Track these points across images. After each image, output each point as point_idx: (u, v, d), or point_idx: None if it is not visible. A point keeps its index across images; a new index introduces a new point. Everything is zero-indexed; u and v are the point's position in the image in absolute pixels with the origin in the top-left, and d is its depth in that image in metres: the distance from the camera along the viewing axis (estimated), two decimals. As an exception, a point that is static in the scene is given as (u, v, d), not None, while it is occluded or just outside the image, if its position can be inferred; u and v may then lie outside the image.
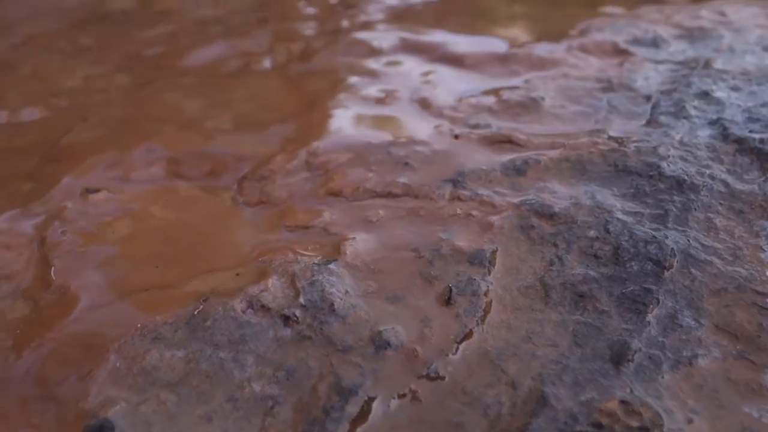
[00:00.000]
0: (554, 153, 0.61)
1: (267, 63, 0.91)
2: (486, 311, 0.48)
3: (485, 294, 0.49)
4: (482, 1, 1.07)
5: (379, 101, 0.75)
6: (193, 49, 1.00)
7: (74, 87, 0.90)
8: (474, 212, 0.56)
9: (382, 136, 0.67)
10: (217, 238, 0.57)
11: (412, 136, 0.66)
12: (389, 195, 0.59)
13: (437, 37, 0.90)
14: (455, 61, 0.82)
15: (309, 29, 1.02)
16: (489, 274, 0.50)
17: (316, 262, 0.52)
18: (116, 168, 0.67)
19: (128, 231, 0.58)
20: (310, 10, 1.13)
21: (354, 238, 0.54)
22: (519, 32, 0.89)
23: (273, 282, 0.50)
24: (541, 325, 0.47)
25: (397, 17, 1.01)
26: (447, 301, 0.49)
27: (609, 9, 0.95)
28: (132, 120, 0.77)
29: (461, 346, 0.44)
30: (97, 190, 0.63)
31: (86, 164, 0.68)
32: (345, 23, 1.01)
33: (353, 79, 0.82)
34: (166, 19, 1.18)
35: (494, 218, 0.55)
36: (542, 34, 0.87)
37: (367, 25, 0.98)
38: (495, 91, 0.73)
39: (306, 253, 0.53)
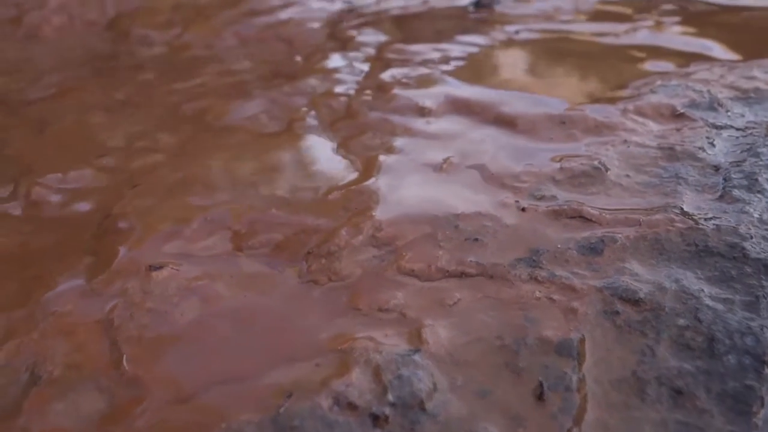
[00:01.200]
0: (630, 231, 0.59)
1: (311, 121, 0.91)
2: (581, 409, 0.46)
3: (578, 390, 0.47)
4: (523, 55, 1.06)
5: (436, 168, 0.74)
6: (232, 103, 0.99)
7: (118, 146, 0.89)
8: (555, 296, 0.54)
9: (446, 208, 0.66)
10: (289, 322, 0.56)
11: (478, 209, 0.65)
12: (463, 275, 0.58)
13: (485, 94, 0.89)
14: (508, 123, 0.81)
15: (349, 84, 1.01)
16: (580, 367, 0.49)
17: (399, 352, 0.50)
18: (174, 240, 0.66)
19: (197, 313, 0.57)
20: (346, 63, 1.13)
21: (433, 324, 0.53)
22: (568, 91, 0.88)
23: (357, 375, 0.48)
24: (640, 425, 0.45)
25: (443, 73, 1.00)
26: (539, 397, 0.47)
27: (656, 66, 0.95)
28: (184, 186, 0.76)
29: (563, 452, 0.43)
30: (160, 267, 0.61)
31: (143, 237, 0.67)
32: (387, 78, 1.01)
33: (403, 142, 0.81)
34: (199, 69, 1.18)
35: (577, 304, 0.53)
36: (593, 94, 0.86)
37: (411, 82, 0.98)
38: (556, 159, 0.72)
39: (385, 341, 0.52)
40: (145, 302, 0.58)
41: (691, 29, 1.13)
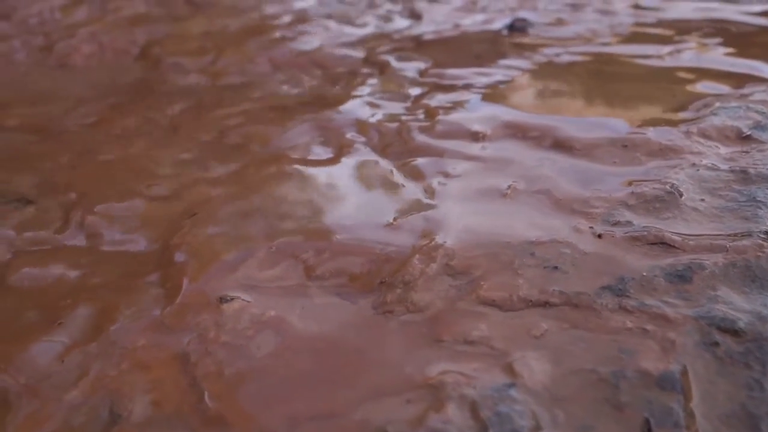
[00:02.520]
0: (717, 257, 0.58)
1: (361, 147, 0.89)
2: (693, 446, 0.44)
3: (687, 426, 0.45)
4: (568, 78, 1.05)
5: (501, 194, 0.72)
6: (277, 130, 0.98)
7: (167, 175, 0.88)
8: (648, 326, 0.52)
9: (519, 235, 0.64)
10: (370, 355, 0.54)
11: (553, 236, 0.63)
12: (546, 305, 0.56)
13: (538, 118, 0.88)
14: (567, 147, 0.80)
15: (395, 109, 1.00)
16: (686, 402, 0.46)
17: (493, 386, 0.48)
18: (240, 271, 0.65)
19: (273, 346, 0.55)
20: (387, 88, 1.12)
21: (523, 356, 0.51)
22: (624, 114, 0.87)
23: (453, 411, 0.46)
24: (757, 463, 0.43)
25: (489, 97, 0.99)
26: (646, 434, 0.45)
27: (709, 87, 0.93)
28: (242, 214, 0.74)
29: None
30: (231, 299, 0.60)
31: (207, 267, 0.65)
32: (433, 103, 0.99)
33: (460, 167, 0.80)
34: (239, 96, 1.17)
35: (673, 334, 0.51)
36: (650, 116, 0.85)
37: (459, 106, 0.97)
38: (624, 183, 0.71)
39: (476, 374, 0.50)
40: (219, 336, 0.56)
41: (734, 50, 1.11)
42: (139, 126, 1.08)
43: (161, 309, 0.60)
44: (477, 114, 0.93)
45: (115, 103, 1.22)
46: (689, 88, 0.94)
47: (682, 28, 1.26)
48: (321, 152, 0.89)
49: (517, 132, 0.85)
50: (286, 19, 1.68)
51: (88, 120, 1.14)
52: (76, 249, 0.72)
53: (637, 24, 1.34)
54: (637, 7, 1.46)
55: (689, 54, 1.10)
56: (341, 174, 0.82)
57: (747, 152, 0.73)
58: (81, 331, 0.58)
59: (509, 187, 0.73)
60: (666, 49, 1.13)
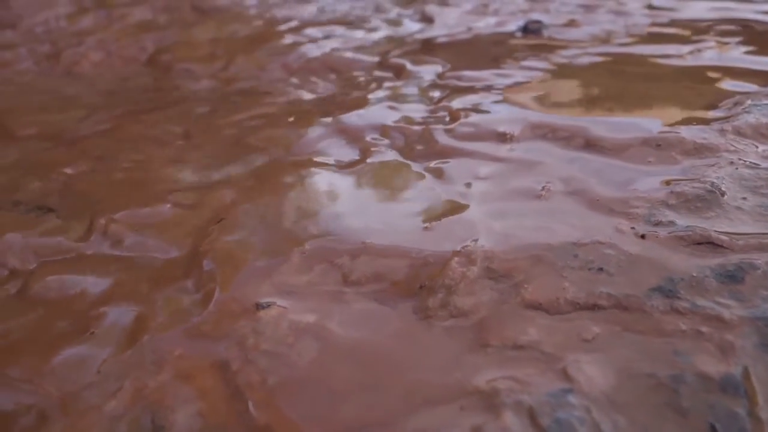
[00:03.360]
0: (767, 257, 0.56)
1: (386, 149, 0.88)
2: (762, 452, 0.42)
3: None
4: (591, 78, 1.04)
5: (535, 195, 0.71)
6: (298, 133, 0.97)
7: (189, 181, 0.86)
8: (702, 328, 0.51)
9: (559, 237, 0.63)
10: (417, 361, 0.52)
11: (595, 236, 0.62)
12: (595, 307, 0.54)
13: (566, 119, 0.87)
14: (599, 147, 0.78)
15: (417, 112, 0.99)
16: (751, 406, 0.45)
17: (549, 392, 0.47)
18: (274, 276, 0.63)
19: (315, 354, 0.53)
20: (407, 91, 1.11)
21: (577, 360, 0.49)
22: (654, 113, 0.86)
23: (511, 419, 0.45)
24: (831, 468, 0.41)
25: (512, 98, 0.98)
26: (713, 439, 0.43)
27: (736, 86, 0.92)
28: (270, 219, 0.73)
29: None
30: (268, 305, 0.58)
31: (241, 274, 0.64)
32: (456, 105, 0.98)
33: (490, 169, 0.78)
34: (255, 101, 1.16)
35: (730, 336, 0.50)
36: (681, 115, 0.84)
37: (482, 108, 0.95)
38: (662, 183, 0.69)
39: (529, 380, 0.48)
40: (259, 344, 0.54)
41: (755, 48, 1.10)
42: (155, 132, 1.06)
43: (196, 316, 0.58)
44: (500, 115, 0.92)
45: (127, 110, 1.20)
46: (716, 86, 0.93)
47: (699, 28, 1.25)
48: (345, 155, 0.88)
49: (545, 132, 0.84)
50: (294, 24, 1.67)
51: (101, 127, 1.12)
52: (101, 256, 0.71)
53: (653, 24, 1.33)
54: (651, 7, 1.45)
55: (711, 53, 1.08)
56: (368, 176, 0.81)
57: (785, 150, 0.72)
58: (115, 341, 0.56)
59: (543, 187, 0.71)
60: (686, 48, 1.12)
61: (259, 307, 0.58)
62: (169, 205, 0.79)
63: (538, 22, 1.38)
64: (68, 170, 0.94)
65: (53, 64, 1.62)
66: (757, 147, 0.73)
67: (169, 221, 0.76)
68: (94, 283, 0.66)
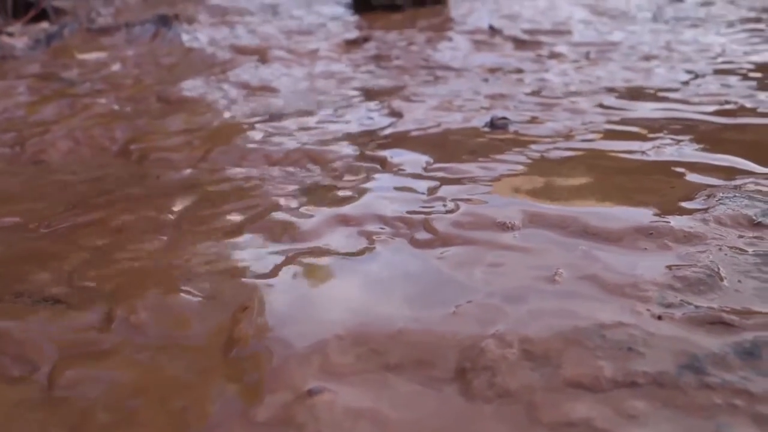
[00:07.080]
0: (777, 334, 0.62)
1: (390, 240, 0.92)
2: None
3: (804, 494, 0.48)
4: (567, 171, 1.12)
5: (549, 280, 0.75)
6: (301, 222, 1.00)
7: (199, 269, 0.87)
8: (736, 402, 0.55)
9: (584, 319, 0.67)
10: (475, 441, 0.54)
11: (617, 318, 0.67)
12: (633, 384, 0.59)
13: (559, 209, 0.93)
14: (596, 235, 0.85)
15: (414, 203, 1.04)
16: (796, 471, 0.49)
17: (614, 466, 0.50)
18: (315, 361, 0.65)
19: (375, 437, 0.55)
20: (396, 183, 1.16)
21: (629, 435, 0.53)
22: (637, 204, 0.93)
23: (585, 493, 0.47)
24: None
25: (501, 189, 1.04)
26: (770, 504, 0.47)
27: (702, 179, 1.02)
28: (295, 305, 0.75)
29: None
30: (320, 391, 0.59)
31: (282, 359, 0.65)
32: (450, 196, 1.04)
33: (498, 256, 0.83)
34: (243, 191, 1.18)
35: (762, 408, 0.54)
36: (662, 206, 0.91)
37: (476, 198, 1.01)
38: (663, 268, 0.75)
39: (590, 455, 0.51)
40: (320, 429, 0.55)
41: (707, 145, 1.22)
42: (142, 223, 1.07)
43: (248, 405, 0.59)
44: (495, 205, 0.98)
45: (105, 200, 1.20)
46: (685, 180, 1.03)
47: (652, 126, 1.37)
48: (352, 244, 0.91)
49: (542, 222, 0.90)
50: (265, 116, 1.72)
51: (82, 218, 1.12)
52: (128, 346, 0.70)
53: (608, 122, 1.45)
54: (602, 106, 1.59)
55: (670, 149, 1.19)
56: (381, 264, 0.84)
57: (763, 238, 0.80)
58: (171, 432, 0.56)
59: (556, 273, 0.76)
60: (647, 144, 1.23)
61: (311, 393, 0.59)
62: (187, 294, 0.79)
63: (505, 118, 1.48)
64: (64, 261, 0.93)
65: (19, 153, 1.61)
66: (738, 235, 0.81)
67: (192, 309, 0.76)
68: (131, 376, 0.65)
